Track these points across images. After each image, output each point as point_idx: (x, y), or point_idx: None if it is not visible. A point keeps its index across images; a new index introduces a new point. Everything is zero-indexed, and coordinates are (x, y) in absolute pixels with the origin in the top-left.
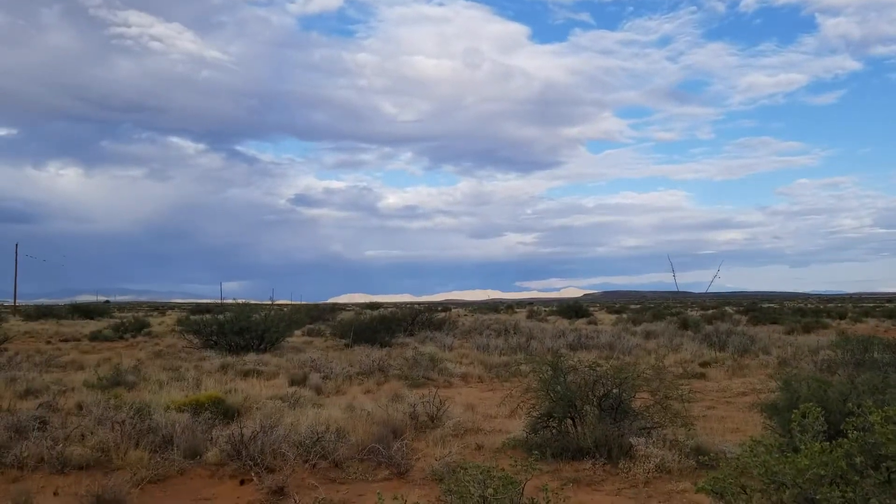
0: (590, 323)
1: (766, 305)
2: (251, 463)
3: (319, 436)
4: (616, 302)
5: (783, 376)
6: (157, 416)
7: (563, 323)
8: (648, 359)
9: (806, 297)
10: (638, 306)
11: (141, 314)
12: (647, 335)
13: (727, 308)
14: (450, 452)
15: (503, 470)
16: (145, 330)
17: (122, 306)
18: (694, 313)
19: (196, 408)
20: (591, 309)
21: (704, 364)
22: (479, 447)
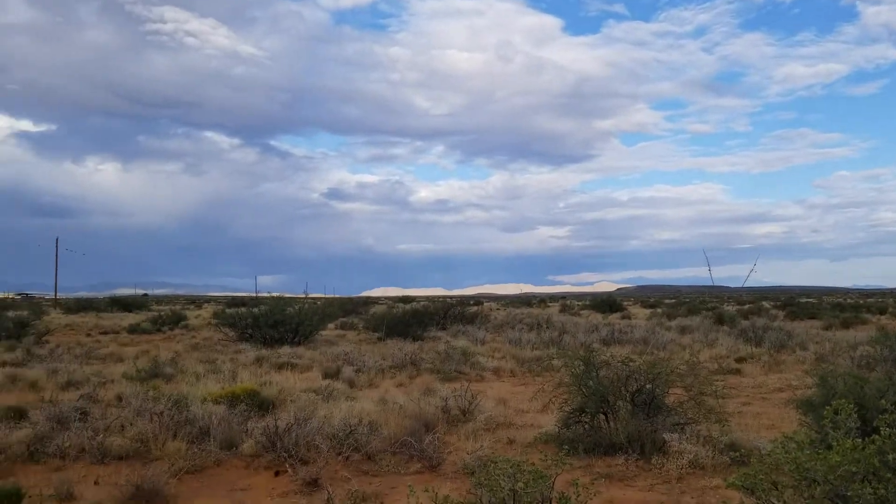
0: (623, 317)
1: (803, 300)
2: (286, 454)
3: (352, 428)
4: (650, 296)
5: (820, 372)
6: (194, 407)
7: (597, 317)
8: (683, 354)
9: (845, 291)
10: (672, 301)
11: (178, 307)
12: (682, 330)
13: (764, 303)
14: (481, 446)
15: (534, 464)
16: (182, 323)
17: (159, 299)
18: (730, 308)
19: (232, 400)
20: (625, 303)
21: (740, 360)
22: (511, 441)
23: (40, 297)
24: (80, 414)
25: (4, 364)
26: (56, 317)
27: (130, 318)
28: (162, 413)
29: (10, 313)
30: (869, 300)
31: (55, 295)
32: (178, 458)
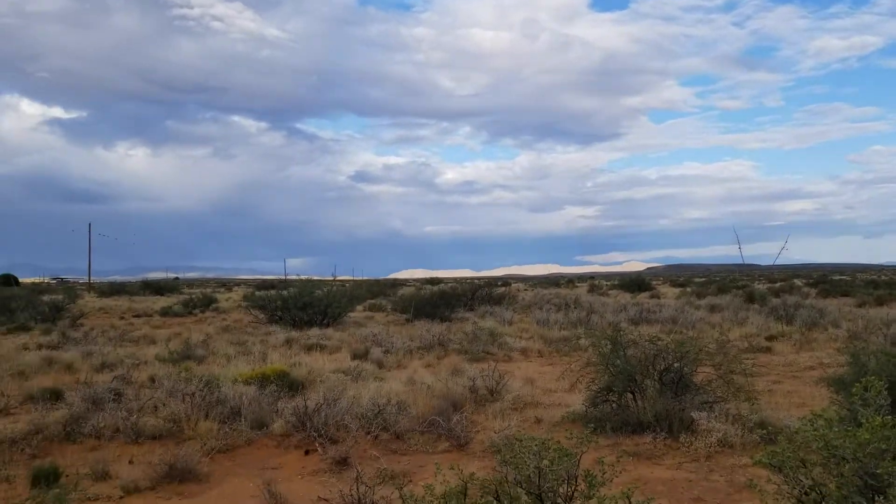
0: (652, 297)
1: (836, 278)
2: (315, 434)
3: (381, 408)
4: (680, 275)
5: (851, 350)
6: (226, 388)
7: (625, 297)
8: (712, 333)
9: (880, 268)
10: (702, 279)
11: (209, 290)
12: (712, 309)
13: (796, 281)
14: (509, 426)
15: (559, 442)
16: (213, 305)
17: (190, 283)
18: (761, 286)
19: (262, 381)
20: (654, 283)
21: (771, 338)
22: (539, 421)
23: (74, 282)
24: (115, 395)
25: (41, 347)
26: (90, 300)
27: (162, 302)
28: (194, 394)
29: (46, 297)
30: None
31: (89, 279)
32: (209, 438)
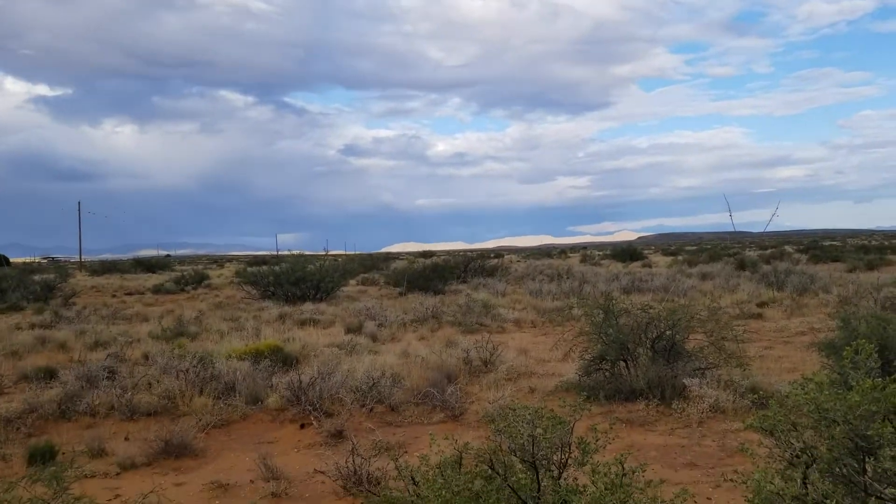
0: (644, 266)
1: (827, 243)
2: (310, 408)
3: (375, 381)
4: (671, 244)
5: (842, 314)
6: (219, 364)
7: (617, 267)
8: (704, 300)
9: (870, 233)
10: (694, 248)
11: (200, 267)
12: (703, 277)
13: (786, 247)
14: (503, 395)
15: (552, 410)
16: (205, 282)
17: (182, 260)
18: (752, 253)
19: (256, 356)
20: (646, 252)
21: (762, 304)
22: (532, 390)
23: (66, 261)
24: (109, 373)
25: (34, 326)
26: (82, 279)
27: (154, 279)
28: (188, 370)
29: (37, 277)
30: (894, 241)
31: (80, 258)
32: (204, 414)
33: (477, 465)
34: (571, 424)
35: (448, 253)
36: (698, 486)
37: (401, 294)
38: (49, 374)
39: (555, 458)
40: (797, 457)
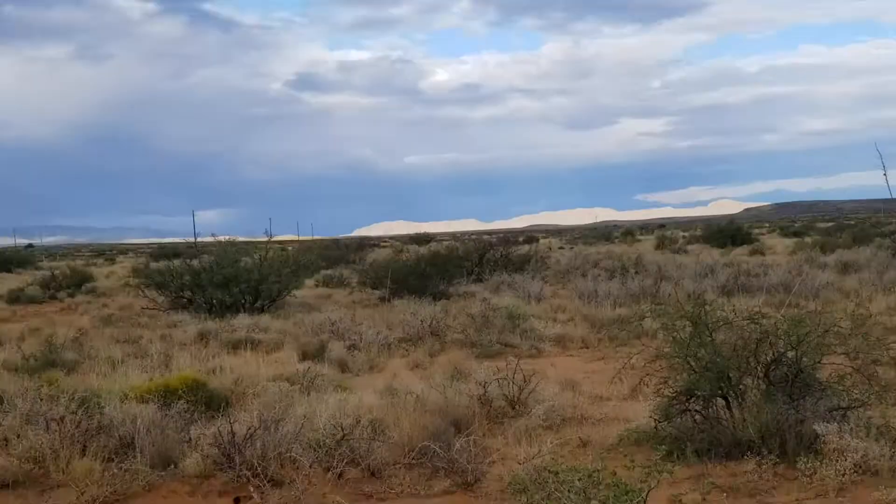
0: (754, 253)
1: None
2: (248, 473)
3: (346, 432)
4: (794, 219)
5: None
6: (111, 408)
7: (712, 254)
8: (845, 305)
9: None
10: (829, 225)
11: (80, 263)
12: (844, 268)
13: None
14: (539, 451)
15: (615, 474)
16: (87, 285)
17: (51, 252)
18: None
19: (166, 396)
20: (756, 232)
21: None
22: (584, 443)
23: None
24: None
25: None
26: None
27: (10, 282)
28: (63, 418)
29: None
30: None
31: None
32: (89, 483)
33: None
34: (645, 494)
35: (454, 237)
36: None
37: (383, 300)
38: None
39: None
40: None
